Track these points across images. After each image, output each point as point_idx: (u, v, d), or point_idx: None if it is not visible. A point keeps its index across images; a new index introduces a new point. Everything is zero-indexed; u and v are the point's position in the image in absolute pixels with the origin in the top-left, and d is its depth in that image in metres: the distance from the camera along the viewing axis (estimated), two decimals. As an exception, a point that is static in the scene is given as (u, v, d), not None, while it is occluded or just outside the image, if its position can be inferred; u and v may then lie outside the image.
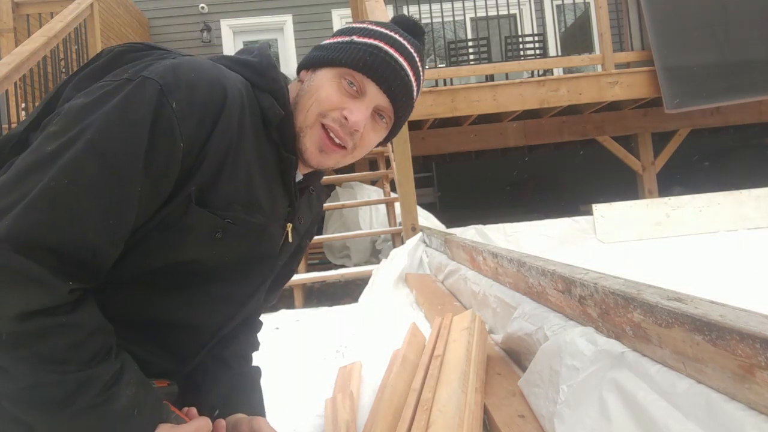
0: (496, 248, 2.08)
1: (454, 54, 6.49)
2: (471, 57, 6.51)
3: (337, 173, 4.70)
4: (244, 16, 8.09)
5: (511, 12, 6.93)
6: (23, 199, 0.61)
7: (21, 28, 4.98)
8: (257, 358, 1.11)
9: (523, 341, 1.42)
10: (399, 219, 4.08)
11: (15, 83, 3.66)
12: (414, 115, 3.34)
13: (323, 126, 0.82)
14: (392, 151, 4.11)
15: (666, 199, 5.06)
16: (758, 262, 3.34)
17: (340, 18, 8.02)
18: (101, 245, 0.66)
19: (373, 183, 5.08)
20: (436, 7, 6.67)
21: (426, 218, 4.68)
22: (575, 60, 5.73)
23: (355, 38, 0.85)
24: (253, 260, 0.87)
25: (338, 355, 2.07)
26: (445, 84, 5.69)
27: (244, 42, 8.25)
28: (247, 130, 0.78)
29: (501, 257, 1.84)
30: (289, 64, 7.98)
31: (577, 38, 7.39)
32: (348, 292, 3.88)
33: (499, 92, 4.98)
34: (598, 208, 4.96)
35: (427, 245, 3.62)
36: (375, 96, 0.83)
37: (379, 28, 0.87)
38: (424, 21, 7.47)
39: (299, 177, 0.91)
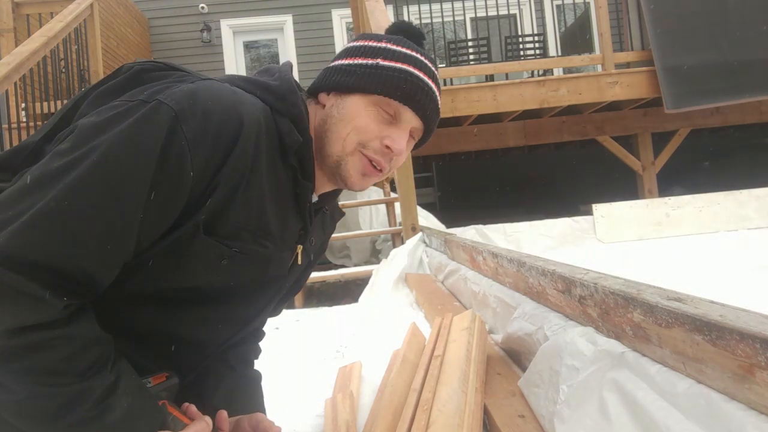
0: (496, 248, 2.08)
1: (454, 54, 6.49)
2: (471, 57, 6.51)
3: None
4: (244, 16, 8.08)
5: (511, 12, 6.93)
6: (22, 216, 0.61)
7: (21, 28, 4.98)
8: (258, 361, 1.12)
9: (523, 341, 1.42)
10: (399, 219, 4.08)
11: (15, 83, 3.66)
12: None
13: (364, 155, 0.83)
14: (392, 151, 4.10)
15: (666, 199, 5.06)
16: (758, 262, 3.34)
17: (340, 18, 8.02)
18: (95, 269, 0.65)
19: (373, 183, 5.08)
20: (436, 7, 6.67)
21: (426, 218, 4.68)
22: (575, 60, 5.73)
23: (381, 62, 0.83)
24: (260, 284, 0.86)
25: (338, 355, 2.07)
26: (445, 84, 5.69)
27: (244, 42, 8.25)
28: (262, 159, 0.76)
29: (501, 257, 1.84)
30: (289, 64, 7.99)
31: (577, 38, 7.39)
32: (348, 292, 3.88)
33: (499, 92, 4.98)
34: (598, 208, 4.96)
35: (427, 245, 3.62)
36: (410, 120, 0.85)
37: (402, 49, 0.85)
38: (424, 21, 7.47)
39: (315, 198, 0.90)
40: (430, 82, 0.86)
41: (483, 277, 2.13)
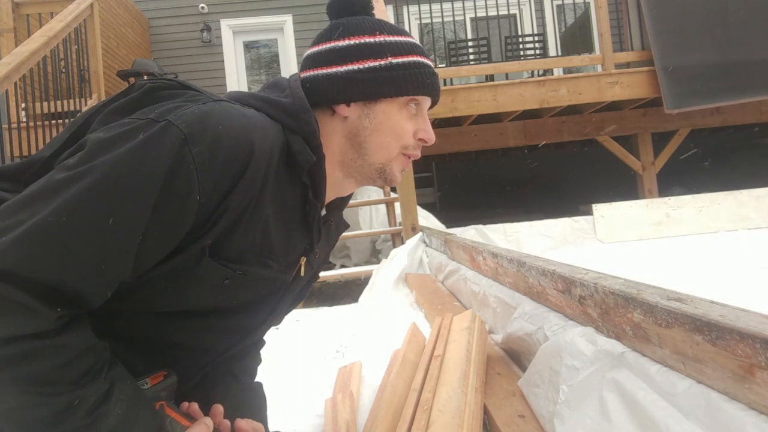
0: (496, 248, 2.08)
1: (454, 54, 6.48)
2: (471, 57, 6.51)
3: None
4: (244, 16, 8.08)
5: (511, 12, 6.93)
6: (20, 226, 0.60)
7: (21, 28, 4.98)
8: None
9: (523, 341, 1.42)
10: (399, 219, 4.08)
11: (15, 83, 3.66)
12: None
13: (404, 155, 0.88)
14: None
15: (666, 199, 5.06)
16: (758, 262, 3.34)
17: (340, 18, 7.98)
18: (87, 289, 0.64)
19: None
20: (436, 7, 6.67)
21: (426, 218, 4.68)
22: (575, 60, 5.72)
23: (393, 60, 0.83)
24: (262, 299, 0.86)
25: (338, 355, 2.07)
26: (445, 84, 5.69)
27: (244, 42, 8.25)
28: (270, 182, 0.75)
29: (501, 257, 1.84)
30: (289, 63, 7.98)
31: (577, 38, 7.38)
32: (348, 292, 3.88)
33: (499, 92, 4.98)
34: (598, 208, 4.96)
35: (427, 245, 3.63)
36: (428, 105, 0.89)
37: (401, 38, 0.85)
38: (424, 21, 7.48)
39: (323, 212, 0.90)
40: (431, 65, 0.88)
41: (483, 277, 2.13)
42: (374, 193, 4.74)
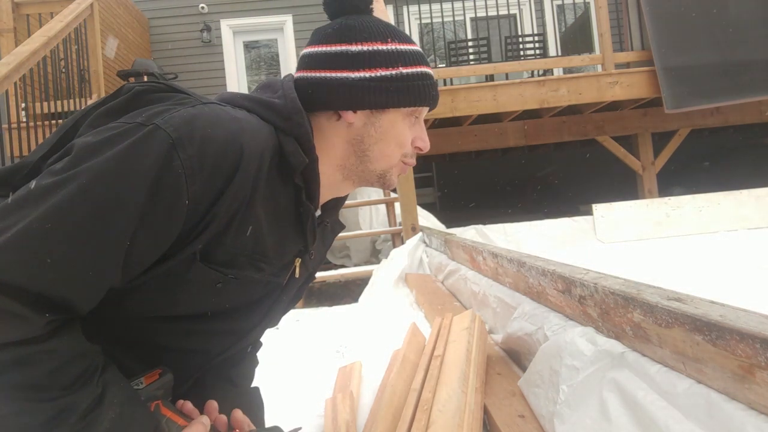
0: (496, 248, 2.08)
1: (454, 54, 6.48)
2: (471, 57, 6.50)
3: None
4: (244, 16, 8.08)
5: (511, 12, 6.93)
6: (3, 234, 0.59)
7: (21, 28, 4.98)
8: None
9: (523, 341, 1.42)
10: (399, 219, 4.08)
11: (15, 83, 3.66)
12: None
13: (403, 162, 0.89)
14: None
15: (666, 199, 5.06)
16: (758, 262, 3.34)
17: (340, 18, 7.98)
18: (74, 296, 0.63)
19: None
20: (436, 7, 6.67)
21: (426, 218, 4.68)
22: (575, 60, 5.72)
23: (403, 70, 0.83)
24: (255, 302, 0.86)
25: (338, 355, 2.07)
26: (445, 84, 5.69)
27: (244, 42, 8.25)
28: (261, 185, 0.74)
29: (501, 257, 1.84)
30: (289, 63, 7.98)
31: (577, 38, 7.38)
32: (348, 292, 3.88)
33: (499, 92, 4.98)
34: (598, 208, 4.96)
35: (427, 245, 3.63)
36: (425, 112, 0.89)
37: (409, 47, 0.85)
38: (424, 21, 7.48)
39: (318, 212, 0.90)
40: (432, 72, 0.88)
41: (483, 277, 2.13)
42: (374, 193, 4.74)
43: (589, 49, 7.50)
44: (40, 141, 3.95)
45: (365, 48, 0.83)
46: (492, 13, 6.06)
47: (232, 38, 8.15)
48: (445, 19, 7.59)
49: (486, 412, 1.22)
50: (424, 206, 5.39)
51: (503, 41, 6.52)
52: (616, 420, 0.87)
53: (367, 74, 0.82)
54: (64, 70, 4.55)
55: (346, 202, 4.52)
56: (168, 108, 0.70)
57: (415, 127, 0.87)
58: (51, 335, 0.62)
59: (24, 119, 4.40)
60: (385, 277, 3.32)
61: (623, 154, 5.83)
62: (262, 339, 1.14)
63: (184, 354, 0.83)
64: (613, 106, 5.68)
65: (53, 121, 4.21)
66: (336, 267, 4.60)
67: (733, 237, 4.56)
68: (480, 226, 4.82)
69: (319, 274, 3.97)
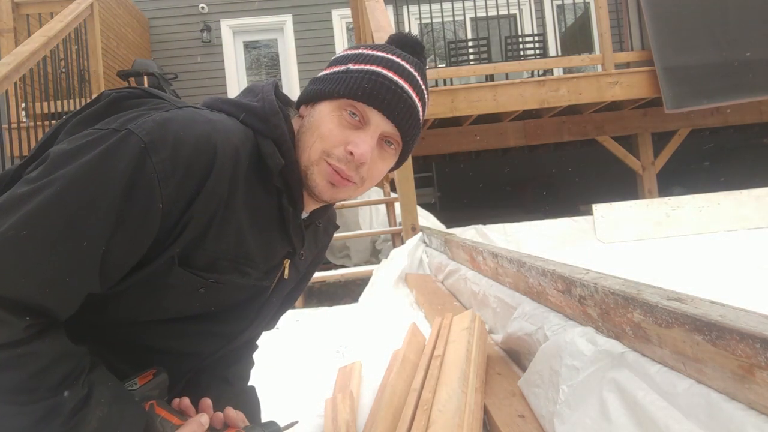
0: (496, 248, 2.08)
1: (454, 54, 6.49)
2: (471, 57, 6.51)
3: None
4: (244, 16, 8.08)
5: (511, 12, 6.93)
6: None
7: (21, 28, 4.98)
8: (257, 360, 1.12)
9: (523, 341, 1.42)
10: (399, 219, 4.08)
11: (15, 83, 3.66)
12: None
13: (328, 164, 0.79)
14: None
15: (666, 199, 5.06)
16: (758, 262, 3.34)
17: (340, 18, 8.02)
18: (52, 302, 0.63)
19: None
20: (436, 7, 6.67)
21: (426, 218, 4.68)
22: (575, 60, 5.73)
23: (351, 66, 0.80)
24: (242, 304, 0.85)
25: (338, 355, 2.07)
26: (445, 84, 5.69)
27: (244, 42, 8.25)
28: (239, 187, 0.74)
29: (501, 257, 1.84)
30: (289, 63, 7.99)
31: (577, 38, 7.38)
32: (348, 292, 3.88)
33: (499, 92, 4.98)
34: (598, 208, 4.96)
35: (427, 245, 3.62)
36: (379, 123, 0.79)
37: (375, 52, 0.82)
38: (424, 21, 7.48)
39: (305, 215, 0.89)
40: (402, 82, 0.80)
41: (483, 277, 2.13)
42: (374, 193, 4.74)
43: (589, 49, 7.50)
44: (40, 141, 3.95)
45: (339, 54, 0.86)
46: (492, 13, 6.07)
47: (232, 38, 8.15)
48: (445, 19, 7.60)
49: (486, 412, 1.22)
50: (424, 206, 5.39)
51: (503, 41, 6.52)
52: (616, 420, 0.87)
53: (323, 72, 0.85)
54: (64, 70, 4.55)
55: (346, 202, 4.53)
56: (142, 113, 0.71)
57: (356, 131, 0.78)
58: (33, 338, 0.62)
59: (24, 119, 4.40)
60: (385, 277, 3.31)
61: (623, 154, 5.83)
62: (262, 339, 1.14)
63: (174, 356, 0.83)
64: (613, 106, 5.68)
65: (53, 121, 4.21)
66: (336, 267, 4.60)
67: (733, 237, 4.56)
68: (480, 226, 4.82)
69: (319, 274, 3.97)
